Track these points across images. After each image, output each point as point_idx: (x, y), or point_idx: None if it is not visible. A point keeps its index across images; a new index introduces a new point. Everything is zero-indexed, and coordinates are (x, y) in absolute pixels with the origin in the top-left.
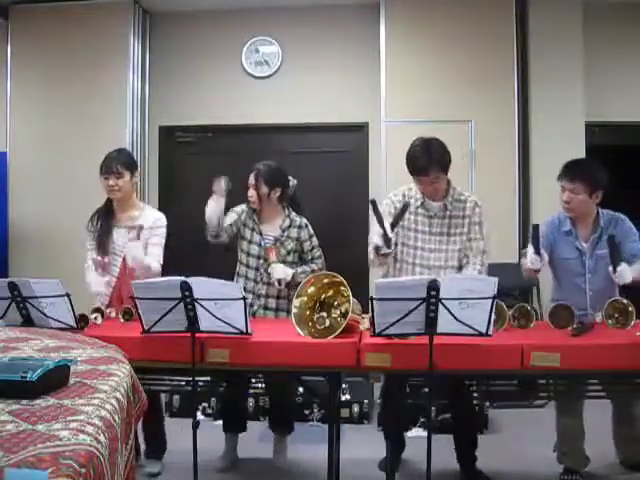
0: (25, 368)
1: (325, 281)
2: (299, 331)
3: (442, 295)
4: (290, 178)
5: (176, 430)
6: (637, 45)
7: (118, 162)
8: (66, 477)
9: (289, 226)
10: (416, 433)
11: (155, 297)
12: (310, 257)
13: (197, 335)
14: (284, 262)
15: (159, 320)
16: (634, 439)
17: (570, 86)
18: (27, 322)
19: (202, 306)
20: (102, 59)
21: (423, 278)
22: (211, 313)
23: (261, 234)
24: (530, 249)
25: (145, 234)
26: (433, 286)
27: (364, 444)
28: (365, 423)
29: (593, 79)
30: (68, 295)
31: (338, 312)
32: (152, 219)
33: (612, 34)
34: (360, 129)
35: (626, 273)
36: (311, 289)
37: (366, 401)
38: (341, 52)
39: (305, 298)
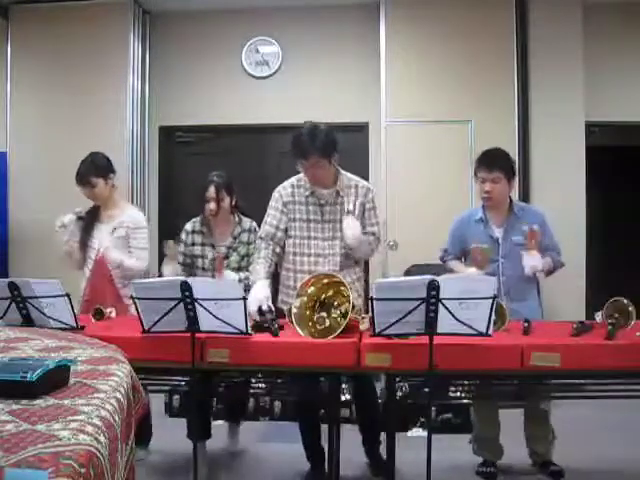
0: (25, 368)
1: (325, 281)
2: (299, 331)
3: (442, 295)
4: None
5: (175, 430)
6: (637, 45)
7: (90, 173)
8: (66, 477)
9: (240, 232)
10: (416, 433)
11: (155, 297)
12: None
13: (197, 335)
14: (239, 268)
15: (159, 320)
16: (541, 437)
17: (570, 86)
18: (27, 322)
19: (202, 306)
20: (102, 59)
21: (423, 278)
22: (211, 313)
23: (213, 246)
24: None
25: (121, 232)
26: (433, 286)
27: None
28: None
29: (593, 79)
30: (68, 295)
31: (338, 312)
32: (132, 219)
33: (612, 34)
34: (360, 129)
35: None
36: (311, 289)
37: None
38: (341, 52)
39: (305, 298)
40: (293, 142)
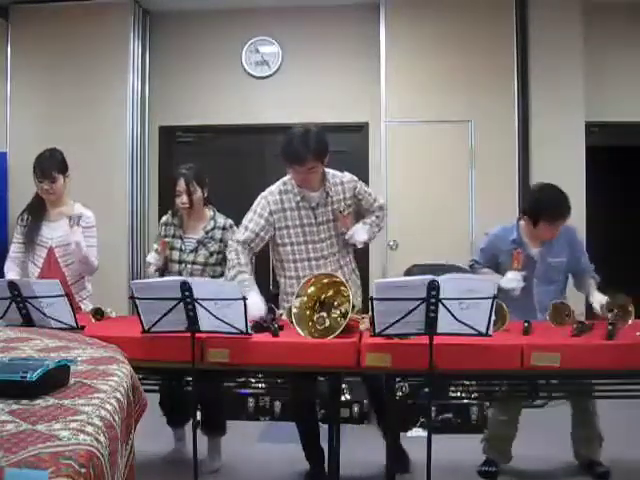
0: (25, 368)
1: (325, 281)
2: (299, 331)
3: (442, 295)
4: None
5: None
6: (637, 45)
7: (53, 168)
8: (66, 477)
9: (213, 228)
10: (416, 433)
11: (155, 297)
12: None
13: (197, 335)
14: (206, 264)
15: (159, 320)
16: (589, 439)
17: (570, 86)
18: (27, 322)
19: (202, 306)
20: (102, 59)
21: (423, 278)
22: (211, 313)
23: (181, 238)
24: None
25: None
26: (433, 286)
27: (364, 444)
28: (365, 423)
29: (593, 79)
30: (68, 295)
31: (338, 312)
32: (85, 218)
33: (612, 34)
34: (360, 129)
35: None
36: (311, 289)
37: (366, 401)
38: (341, 52)
39: (305, 298)
40: (285, 148)
